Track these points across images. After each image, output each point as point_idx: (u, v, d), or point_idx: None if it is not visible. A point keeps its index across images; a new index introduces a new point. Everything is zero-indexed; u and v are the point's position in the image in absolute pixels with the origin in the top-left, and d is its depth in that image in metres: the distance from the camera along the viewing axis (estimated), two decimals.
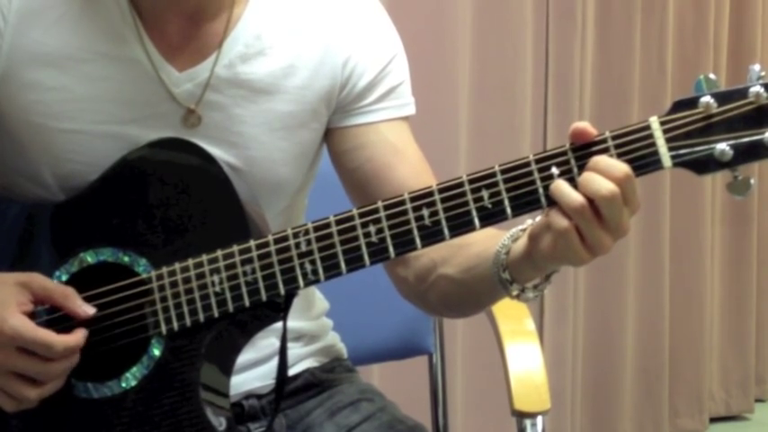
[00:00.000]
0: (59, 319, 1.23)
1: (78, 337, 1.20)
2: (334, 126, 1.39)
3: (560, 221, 1.10)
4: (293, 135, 1.35)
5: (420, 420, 1.47)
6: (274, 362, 1.36)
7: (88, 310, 1.22)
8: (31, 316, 1.20)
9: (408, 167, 1.36)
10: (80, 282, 1.25)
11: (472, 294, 1.29)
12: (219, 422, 1.23)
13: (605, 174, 1.09)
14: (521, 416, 1.57)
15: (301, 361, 1.47)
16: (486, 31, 2.86)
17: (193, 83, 1.31)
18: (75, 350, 1.20)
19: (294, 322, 1.40)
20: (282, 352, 1.29)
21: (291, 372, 1.43)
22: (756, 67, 1.09)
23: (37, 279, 1.22)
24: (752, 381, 3.63)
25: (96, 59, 1.30)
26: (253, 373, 1.40)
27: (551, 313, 3.08)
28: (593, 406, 3.23)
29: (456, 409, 2.77)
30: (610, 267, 3.17)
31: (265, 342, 1.37)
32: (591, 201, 1.09)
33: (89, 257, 1.26)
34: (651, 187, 3.24)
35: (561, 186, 1.11)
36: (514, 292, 1.20)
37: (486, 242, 1.22)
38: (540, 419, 1.57)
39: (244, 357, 1.31)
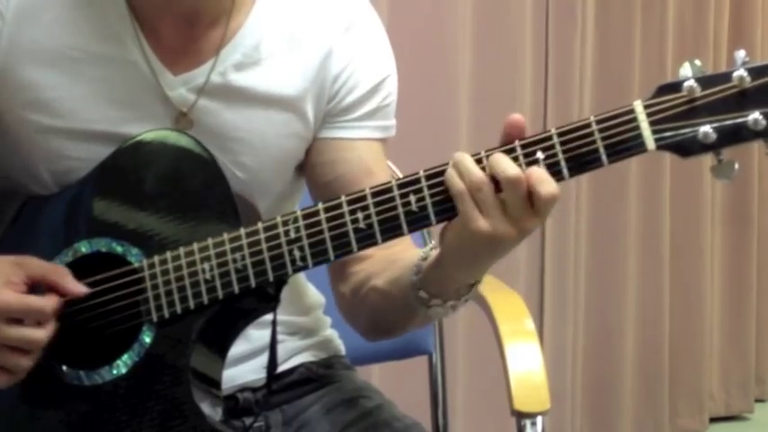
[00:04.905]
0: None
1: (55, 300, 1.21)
2: (315, 136, 1.39)
3: (457, 183, 1.12)
4: (283, 143, 1.36)
5: (420, 420, 1.47)
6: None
7: (82, 288, 1.24)
8: None
9: None
10: (74, 272, 1.26)
11: (395, 307, 1.30)
12: (210, 410, 1.24)
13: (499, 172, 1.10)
14: (521, 416, 1.56)
15: (297, 354, 1.47)
16: (485, 30, 2.86)
17: (188, 87, 1.32)
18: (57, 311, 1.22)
19: (288, 316, 1.42)
20: (273, 341, 1.29)
21: (287, 365, 1.44)
22: (741, 52, 1.10)
23: (31, 258, 1.24)
24: (752, 381, 3.63)
25: (92, 60, 1.30)
26: (247, 365, 1.41)
27: (551, 313, 3.08)
28: (593, 406, 3.23)
29: (456, 409, 2.77)
30: (609, 267, 3.18)
31: (259, 334, 1.37)
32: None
33: (83, 247, 1.27)
34: (651, 187, 3.24)
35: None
36: (422, 296, 1.22)
37: (415, 257, 1.25)
38: (539, 419, 1.56)
39: (238, 350, 1.32)
